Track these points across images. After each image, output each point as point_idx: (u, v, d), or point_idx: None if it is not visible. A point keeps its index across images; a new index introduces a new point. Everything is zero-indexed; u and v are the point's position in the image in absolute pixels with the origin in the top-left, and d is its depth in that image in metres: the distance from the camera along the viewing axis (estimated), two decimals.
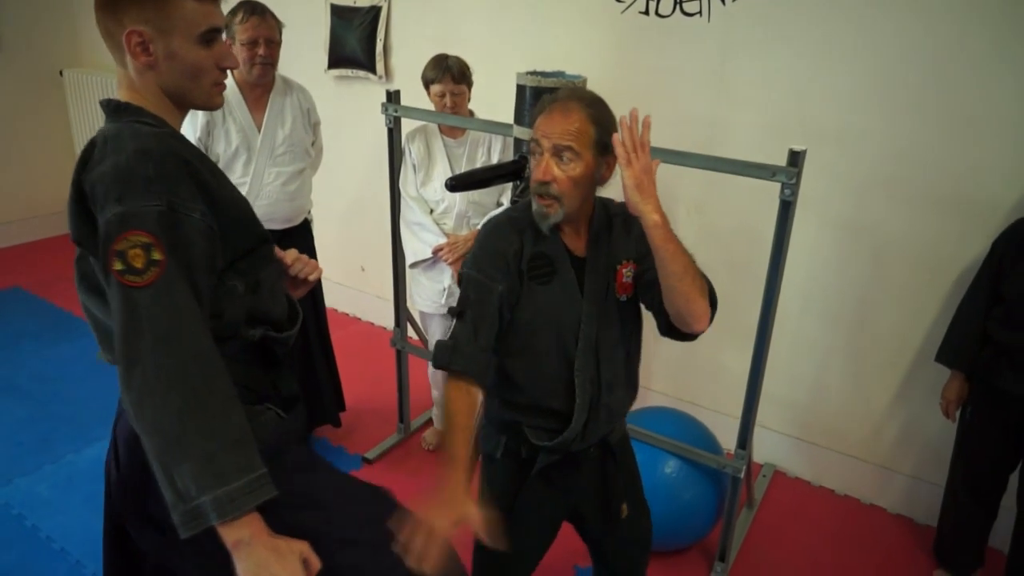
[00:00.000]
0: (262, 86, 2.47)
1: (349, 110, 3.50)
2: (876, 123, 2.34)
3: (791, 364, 2.70)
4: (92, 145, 1.13)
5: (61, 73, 4.61)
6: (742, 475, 2.17)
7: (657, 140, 2.11)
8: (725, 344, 2.83)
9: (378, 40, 3.33)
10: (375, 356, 3.48)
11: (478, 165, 2.59)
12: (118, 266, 1.02)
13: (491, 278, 1.42)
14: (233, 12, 2.37)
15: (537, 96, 1.90)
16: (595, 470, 1.60)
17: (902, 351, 2.51)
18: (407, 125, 2.62)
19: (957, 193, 2.28)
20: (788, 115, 2.47)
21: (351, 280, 3.81)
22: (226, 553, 1.02)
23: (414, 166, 2.62)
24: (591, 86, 2.16)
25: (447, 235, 2.56)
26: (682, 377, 2.99)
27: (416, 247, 2.58)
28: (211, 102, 1.22)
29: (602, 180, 1.44)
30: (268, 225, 2.49)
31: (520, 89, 2.10)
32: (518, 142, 2.15)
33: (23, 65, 4.51)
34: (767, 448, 2.84)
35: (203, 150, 2.40)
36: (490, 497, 1.63)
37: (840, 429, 2.71)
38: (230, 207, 1.18)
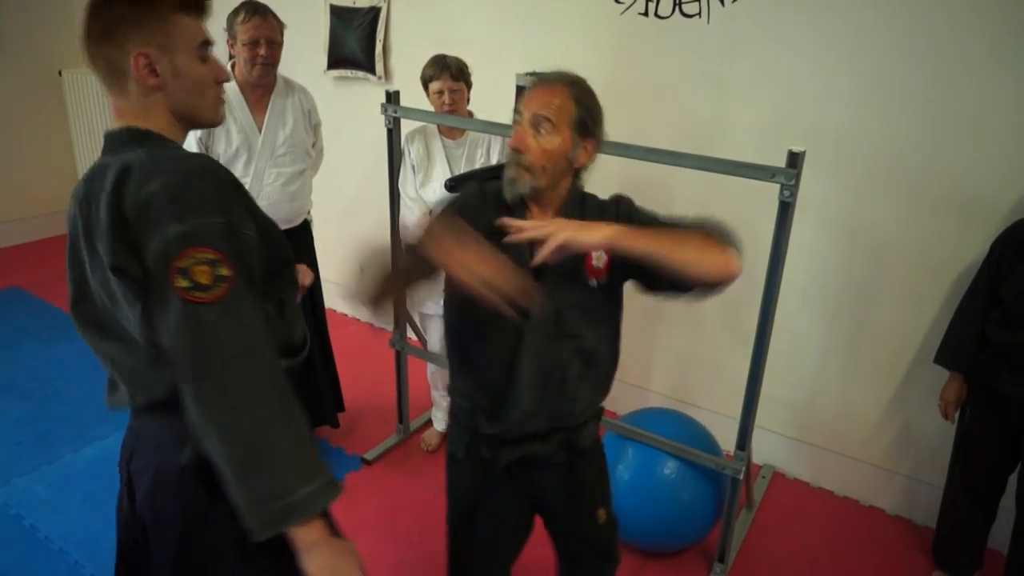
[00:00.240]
0: (263, 87, 2.47)
1: (348, 111, 3.50)
2: (875, 124, 2.34)
3: (790, 365, 2.70)
4: (125, 171, 1.07)
5: (60, 73, 4.60)
6: (741, 476, 2.17)
7: (656, 141, 2.13)
8: (724, 345, 2.83)
9: (377, 41, 3.33)
10: (374, 357, 3.48)
11: (477, 166, 2.59)
12: (182, 283, 1.01)
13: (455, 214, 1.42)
14: (235, 12, 2.37)
15: None
16: (563, 474, 1.56)
17: (901, 352, 2.51)
18: (406, 126, 2.62)
19: (956, 194, 2.28)
20: (787, 116, 2.48)
21: (350, 281, 3.79)
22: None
23: (413, 167, 2.63)
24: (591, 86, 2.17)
25: None
26: (681, 378, 2.99)
27: None
28: (216, 117, 1.23)
29: (577, 162, 1.44)
30: None
31: (519, 90, 2.10)
32: None
33: (22, 65, 4.51)
34: (766, 449, 2.84)
35: (204, 150, 2.40)
36: (454, 499, 1.62)
37: (839, 430, 2.71)
38: (267, 227, 1.19)
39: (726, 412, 2.78)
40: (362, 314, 3.87)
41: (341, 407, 2.94)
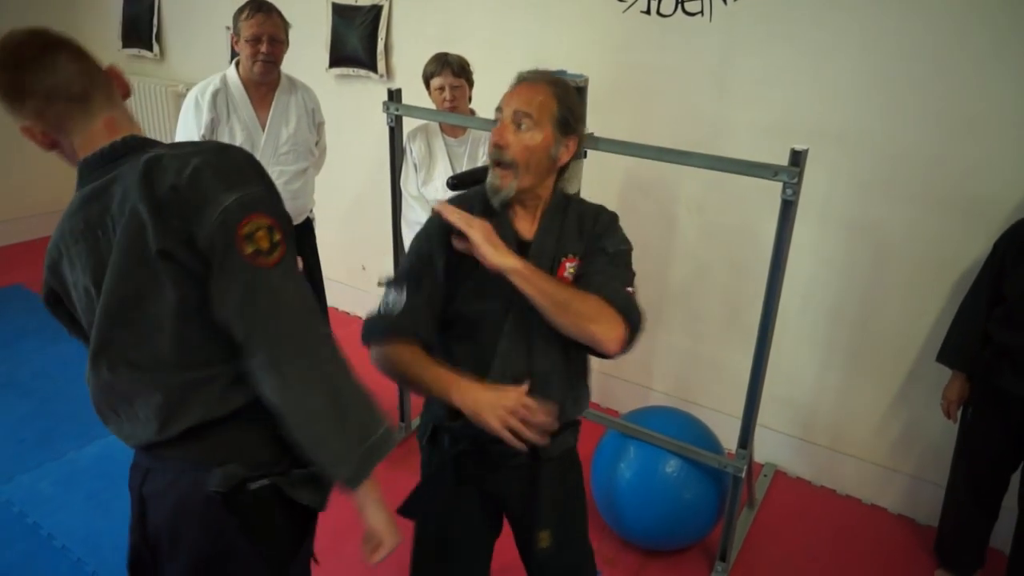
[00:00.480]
0: (267, 85, 2.47)
1: (350, 109, 3.50)
2: (877, 122, 2.34)
3: (792, 364, 2.70)
4: (153, 161, 1.08)
5: None
6: (743, 475, 2.17)
7: (658, 139, 2.13)
8: (726, 343, 2.83)
9: (379, 39, 3.33)
10: None
11: (479, 164, 2.59)
12: (250, 249, 1.04)
13: (436, 250, 1.41)
14: (240, 9, 2.38)
15: None
16: (522, 478, 1.51)
17: (903, 351, 2.51)
18: (408, 124, 2.62)
19: (959, 192, 2.27)
20: (789, 114, 2.47)
21: (352, 279, 3.81)
22: None
23: (415, 165, 2.63)
24: (593, 85, 2.18)
25: None
26: (683, 376, 2.99)
27: None
28: None
29: (560, 160, 1.43)
30: None
31: None
32: None
33: None
34: (768, 448, 2.84)
35: None
36: (419, 484, 1.59)
37: (841, 429, 2.71)
38: None
39: (728, 411, 2.78)
40: (364, 312, 3.88)
41: None
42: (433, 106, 2.60)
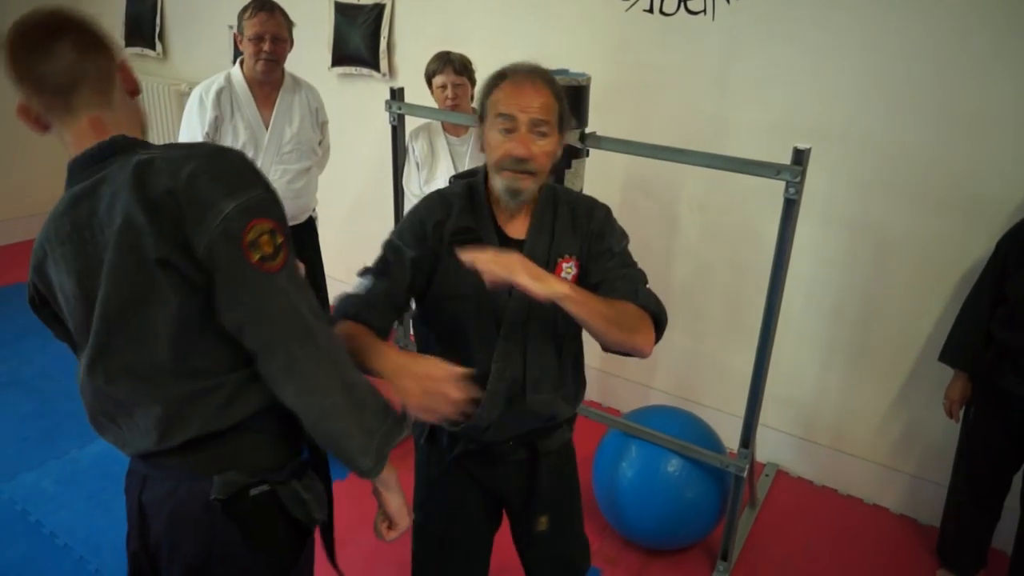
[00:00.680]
0: (271, 83, 2.47)
1: (353, 108, 3.50)
2: (880, 122, 2.34)
3: (794, 363, 2.70)
4: (145, 164, 1.03)
5: None
6: (745, 474, 2.16)
7: (661, 138, 2.13)
8: (728, 343, 2.83)
9: (382, 38, 3.33)
10: None
11: (481, 163, 2.59)
12: (256, 255, 1.02)
13: (407, 243, 1.40)
14: (245, 8, 2.38)
15: None
16: (521, 473, 1.53)
17: (905, 351, 2.50)
18: (411, 123, 2.62)
19: (961, 192, 2.27)
20: (791, 114, 2.47)
21: (355, 278, 3.80)
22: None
23: (417, 164, 2.63)
24: (595, 84, 2.18)
25: None
26: (685, 376, 2.99)
27: None
28: None
29: (556, 158, 1.42)
30: None
31: None
32: None
33: None
34: (770, 447, 2.83)
35: None
36: (417, 484, 1.61)
37: (843, 429, 2.70)
38: None
39: (730, 410, 2.78)
40: None
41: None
42: (435, 105, 2.60)
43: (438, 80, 2.53)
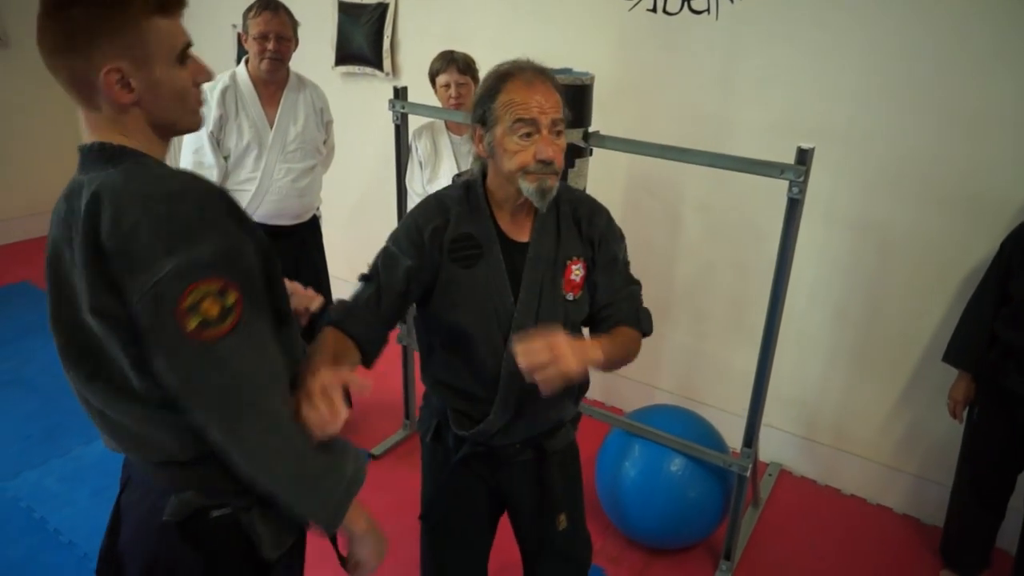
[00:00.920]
0: (276, 82, 2.48)
1: (356, 107, 3.50)
2: (883, 121, 2.33)
3: (797, 363, 2.70)
4: (95, 199, 0.94)
5: None
6: (748, 474, 2.16)
7: (664, 137, 2.12)
8: (732, 343, 2.83)
9: (385, 37, 3.33)
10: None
11: None
12: (192, 324, 0.91)
13: (404, 252, 1.38)
14: (250, 7, 2.38)
15: None
16: (530, 474, 1.53)
17: (909, 350, 2.50)
18: (414, 122, 2.62)
19: (965, 192, 2.27)
20: (795, 113, 2.47)
21: (357, 277, 3.81)
22: None
23: (420, 163, 2.63)
24: (598, 83, 2.17)
25: None
26: (688, 375, 2.99)
27: None
28: (196, 123, 1.08)
29: None
30: (277, 221, 2.54)
31: None
32: None
33: (31, 61, 4.46)
34: (773, 447, 2.83)
35: (215, 144, 2.41)
36: (424, 480, 1.62)
37: (846, 428, 2.70)
38: (260, 239, 1.07)
39: (733, 410, 2.78)
40: None
41: (348, 402, 2.94)
42: (439, 104, 2.60)
43: (442, 79, 2.53)
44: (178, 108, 1.03)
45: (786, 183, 1.84)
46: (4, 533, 2.38)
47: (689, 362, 2.96)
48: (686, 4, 2.55)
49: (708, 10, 2.52)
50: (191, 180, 0.99)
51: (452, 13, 3.14)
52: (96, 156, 1.00)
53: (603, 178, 2.51)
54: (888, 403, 2.59)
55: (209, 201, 0.97)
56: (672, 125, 2.68)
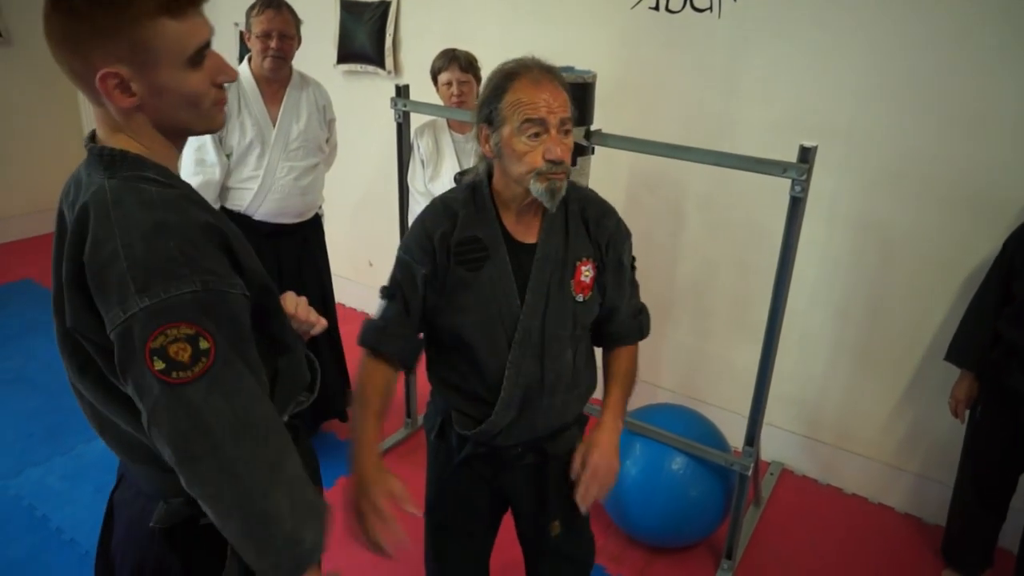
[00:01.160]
0: (278, 81, 2.47)
1: (358, 105, 3.50)
2: (885, 120, 2.33)
3: (800, 362, 2.70)
4: (84, 212, 0.91)
5: None
6: (749, 473, 2.16)
7: (666, 136, 2.12)
8: (733, 341, 2.83)
9: (387, 35, 3.33)
10: None
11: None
12: (158, 365, 0.88)
13: (417, 261, 1.38)
14: (252, 5, 2.38)
15: None
16: (531, 477, 1.53)
17: (911, 349, 2.50)
18: (416, 120, 2.62)
19: (968, 191, 2.26)
20: (797, 112, 2.46)
21: (359, 275, 3.82)
22: None
23: (422, 161, 2.63)
24: (600, 82, 2.17)
25: None
26: (690, 374, 2.98)
27: None
28: (213, 124, 1.04)
29: None
30: (279, 219, 2.54)
31: None
32: None
33: (33, 59, 4.54)
34: (775, 446, 2.83)
35: (217, 142, 2.40)
36: (428, 475, 1.63)
37: (848, 428, 2.70)
38: (253, 271, 1.03)
39: (735, 408, 2.78)
40: (371, 308, 3.88)
41: (350, 401, 2.95)
42: (441, 102, 2.60)
43: (443, 77, 2.53)
44: (188, 112, 0.98)
45: (788, 181, 1.84)
46: (6, 531, 2.39)
47: (691, 361, 2.96)
48: (688, 2, 2.55)
49: (711, 8, 2.51)
50: (182, 209, 0.94)
51: (454, 11, 3.14)
52: (95, 159, 0.97)
53: (605, 176, 2.51)
54: (890, 402, 2.59)
55: (195, 236, 0.93)
56: (674, 123, 2.68)
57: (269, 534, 0.96)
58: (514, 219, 1.39)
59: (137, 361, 0.88)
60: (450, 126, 2.64)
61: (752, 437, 2.15)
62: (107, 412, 1.01)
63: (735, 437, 2.34)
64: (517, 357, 1.38)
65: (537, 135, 1.28)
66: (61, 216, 0.99)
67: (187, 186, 1.03)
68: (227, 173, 2.45)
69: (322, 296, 2.73)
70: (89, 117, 4.66)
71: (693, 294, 2.87)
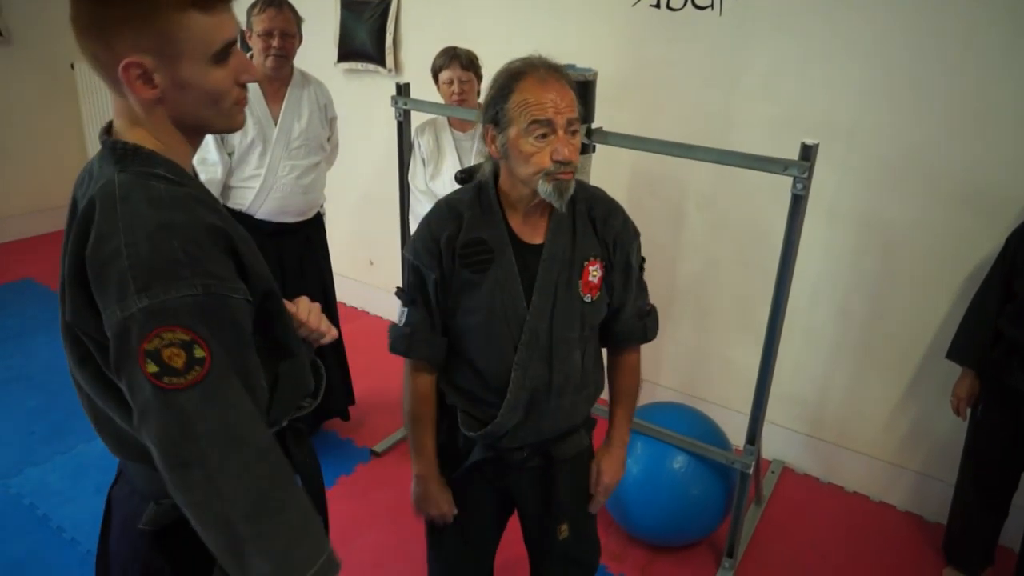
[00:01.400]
0: (280, 79, 2.47)
1: (359, 103, 3.50)
2: (887, 118, 2.33)
3: (801, 360, 2.69)
4: (91, 206, 0.90)
5: (72, 66, 4.62)
6: (751, 471, 2.16)
7: (667, 134, 2.12)
8: (735, 340, 2.83)
9: (388, 33, 3.33)
10: (384, 350, 3.47)
11: (485, 158, 2.58)
12: (151, 368, 0.87)
13: (427, 266, 1.37)
14: (253, 4, 2.38)
15: None
16: (537, 479, 1.52)
17: (913, 348, 2.49)
18: (416, 119, 2.62)
19: (969, 189, 2.26)
20: (799, 110, 2.46)
21: (360, 274, 3.82)
22: None
23: (423, 159, 2.63)
24: (602, 80, 2.17)
25: None
26: (691, 372, 2.98)
27: None
28: (233, 124, 1.03)
29: None
30: (281, 218, 2.54)
31: None
32: None
33: (34, 58, 4.53)
34: (776, 444, 2.83)
35: (219, 141, 2.40)
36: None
37: (850, 426, 2.70)
38: (258, 275, 1.01)
39: (736, 407, 2.78)
40: (371, 307, 3.88)
41: (352, 400, 2.95)
42: (441, 100, 2.59)
43: (444, 75, 2.53)
44: (208, 109, 0.97)
45: (790, 179, 1.83)
46: (6, 530, 2.39)
47: (692, 359, 2.96)
48: (689, 0, 2.54)
49: (712, 6, 2.51)
50: (189, 209, 0.93)
51: (455, 9, 3.13)
52: (108, 151, 0.96)
53: (606, 174, 2.50)
54: (891, 400, 2.58)
55: (201, 238, 0.91)
56: (675, 121, 2.68)
57: (252, 558, 0.92)
58: (520, 220, 1.38)
59: (131, 361, 0.87)
60: (451, 124, 2.64)
61: (753, 435, 2.15)
62: (104, 406, 1.01)
63: (736, 435, 2.33)
64: (524, 359, 1.37)
65: (544, 136, 1.26)
66: (74, 205, 0.98)
67: (198, 185, 1.01)
68: (229, 172, 2.45)
69: (324, 295, 2.73)
70: (91, 118, 4.67)
71: (694, 292, 2.87)
